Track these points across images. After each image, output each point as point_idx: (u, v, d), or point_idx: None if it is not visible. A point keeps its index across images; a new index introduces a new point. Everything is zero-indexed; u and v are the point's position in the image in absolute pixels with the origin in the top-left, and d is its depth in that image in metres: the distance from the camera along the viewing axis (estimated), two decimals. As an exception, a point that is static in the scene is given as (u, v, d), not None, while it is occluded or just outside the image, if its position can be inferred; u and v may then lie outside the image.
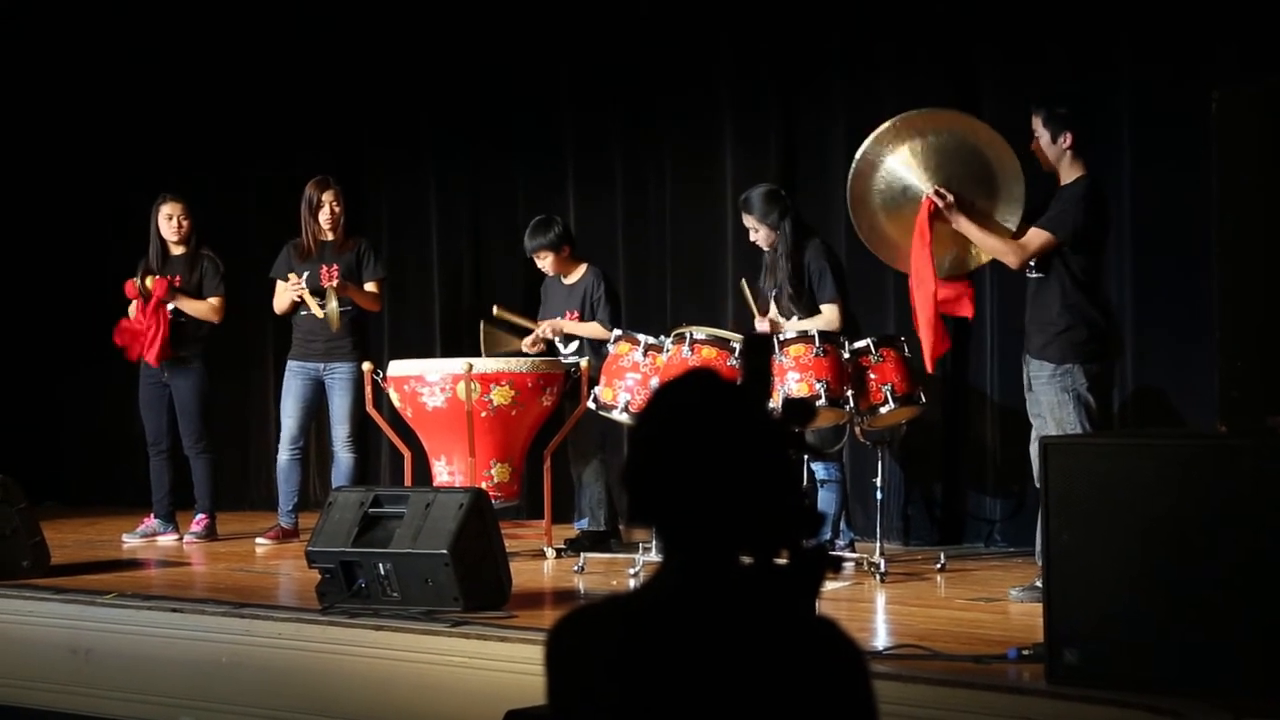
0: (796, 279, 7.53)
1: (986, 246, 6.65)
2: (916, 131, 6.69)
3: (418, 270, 10.35)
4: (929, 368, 6.92)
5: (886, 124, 6.75)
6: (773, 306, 7.66)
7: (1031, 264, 6.51)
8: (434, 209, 10.39)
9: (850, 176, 6.81)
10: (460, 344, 9.25)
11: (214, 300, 8.92)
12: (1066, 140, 6.49)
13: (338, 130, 10.56)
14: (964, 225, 6.60)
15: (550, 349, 8.41)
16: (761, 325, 7.58)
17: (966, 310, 6.88)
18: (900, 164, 6.69)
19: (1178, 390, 7.77)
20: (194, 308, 8.86)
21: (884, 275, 7.98)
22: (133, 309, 8.90)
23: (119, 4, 11.03)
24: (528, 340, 8.40)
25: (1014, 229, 6.60)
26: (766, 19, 9.04)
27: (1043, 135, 6.52)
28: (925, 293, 6.62)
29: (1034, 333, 6.53)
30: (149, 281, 8.81)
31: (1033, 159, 6.61)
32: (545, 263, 8.36)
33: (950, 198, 6.57)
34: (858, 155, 6.78)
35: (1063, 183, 6.53)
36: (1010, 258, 6.54)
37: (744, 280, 7.82)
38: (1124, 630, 4.53)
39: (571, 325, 8.28)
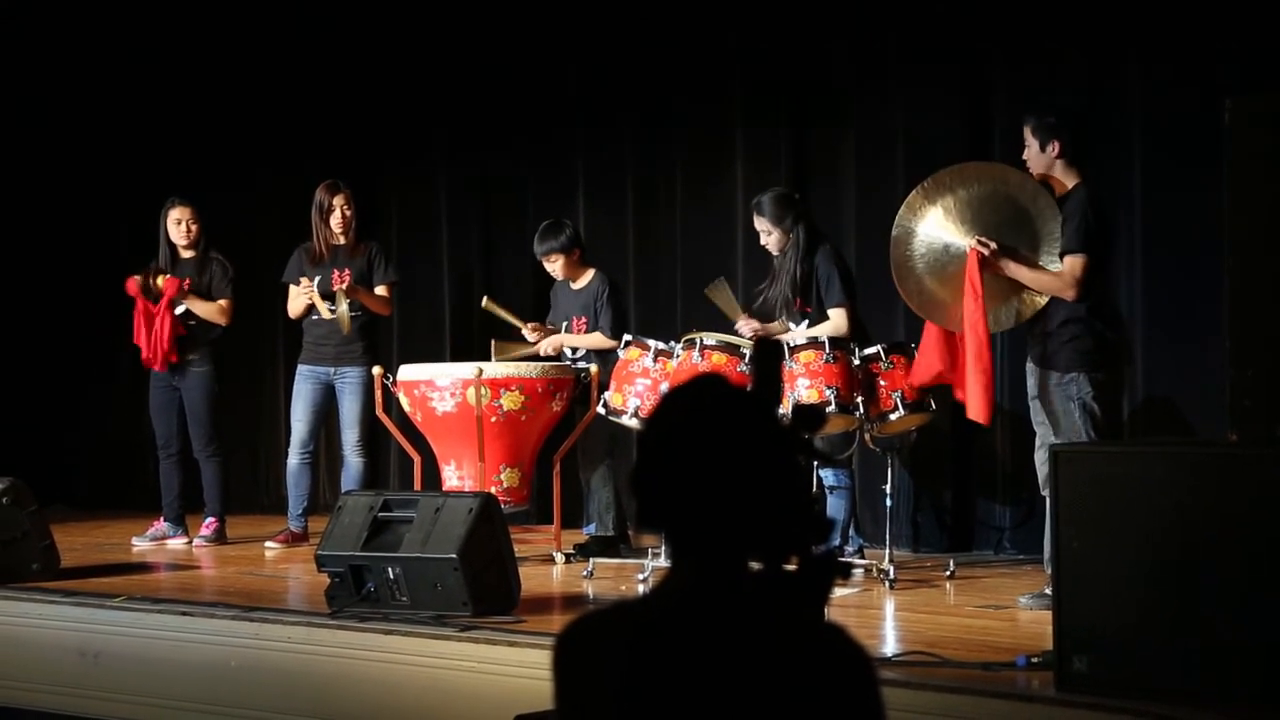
0: (804, 284, 7.51)
1: (1041, 285, 6.48)
2: (946, 189, 6.56)
3: (427, 275, 10.36)
4: (985, 421, 6.67)
5: (915, 190, 6.62)
6: (781, 315, 7.66)
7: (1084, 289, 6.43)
8: (444, 213, 10.40)
9: (891, 245, 6.64)
10: (470, 349, 9.25)
11: (222, 302, 8.93)
12: (1055, 149, 6.46)
13: (347, 134, 10.57)
14: (1013, 269, 6.46)
15: (559, 353, 8.41)
16: (743, 326, 7.55)
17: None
18: (935, 226, 6.57)
19: (1187, 399, 7.76)
20: (202, 309, 8.87)
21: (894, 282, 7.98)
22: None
23: (128, 10, 11.05)
24: (529, 329, 8.40)
25: (1059, 267, 6.44)
26: (776, 27, 9.04)
27: (1032, 144, 6.51)
28: (979, 344, 6.45)
29: (1039, 341, 6.51)
30: (160, 280, 8.83)
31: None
32: (555, 266, 8.36)
33: (994, 245, 6.44)
34: (895, 224, 6.62)
35: (1059, 194, 6.51)
36: (1068, 292, 6.39)
37: (721, 279, 7.80)
38: (1133, 638, 4.52)
39: (571, 339, 8.28)
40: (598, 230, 9.37)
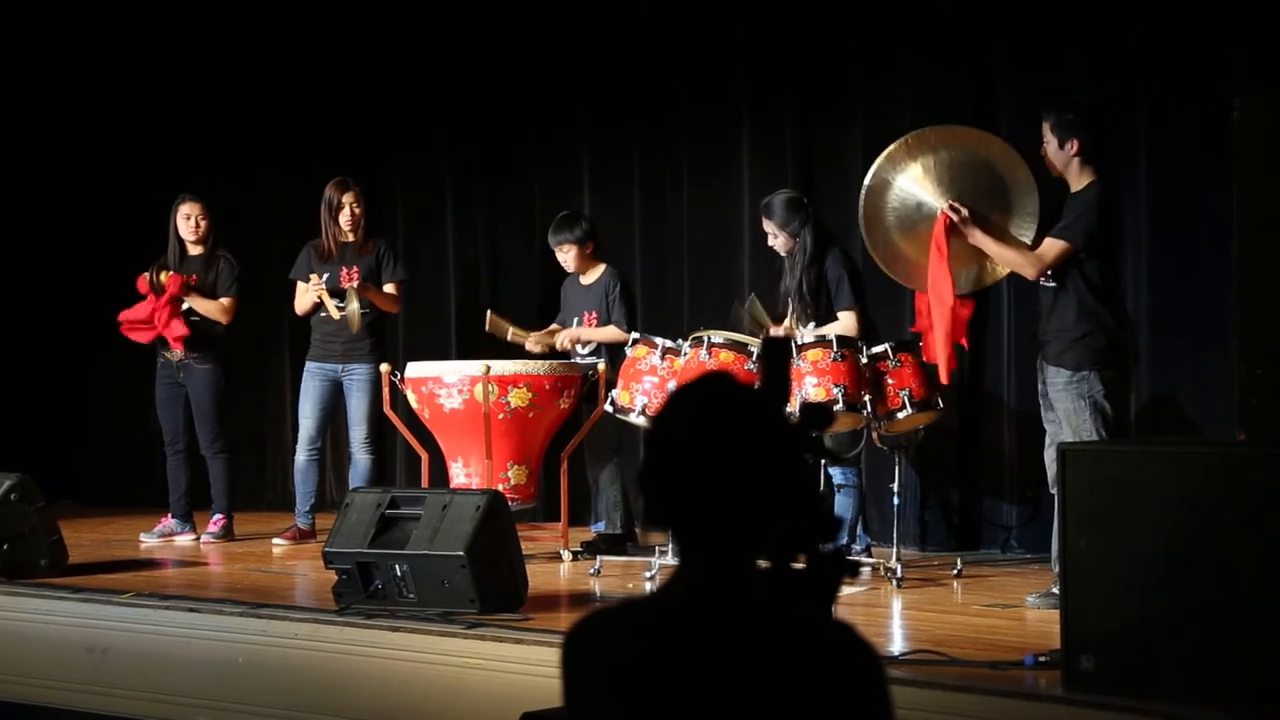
0: (813, 288, 7.51)
1: (1003, 259, 6.61)
2: (929, 148, 6.66)
3: (434, 272, 10.36)
4: (944, 379, 6.90)
5: (897, 142, 6.72)
6: (789, 313, 7.65)
7: (1048, 272, 6.48)
8: (450, 211, 10.40)
9: (862, 196, 6.77)
10: (476, 346, 9.25)
11: (225, 300, 8.92)
12: (1074, 146, 6.45)
13: (355, 131, 10.56)
14: (979, 239, 6.57)
15: (564, 351, 8.40)
16: (778, 333, 7.57)
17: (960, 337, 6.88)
18: (912, 181, 6.66)
19: (1194, 397, 7.75)
20: (204, 307, 8.87)
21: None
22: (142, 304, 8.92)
23: (141, 7, 11.05)
24: (531, 340, 8.40)
25: (1029, 241, 6.57)
26: (784, 25, 9.03)
27: (1050, 141, 6.50)
28: (943, 308, 6.59)
29: (1050, 339, 6.51)
30: (164, 276, 8.83)
31: (1046, 169, 6.59)
32: (568, 257, 8.34)
33: (965, 211, 6.54)
34: (869, 175, 6.74)
35: (1073, 189, 6.51)
36: (1028, 269, 6.50)
37: (753, 295, 7.81)
38: (1141, 637, 4.51)
39: (589, 332, 8.28)
40: (603, 227, 9.34)
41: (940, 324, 6.63)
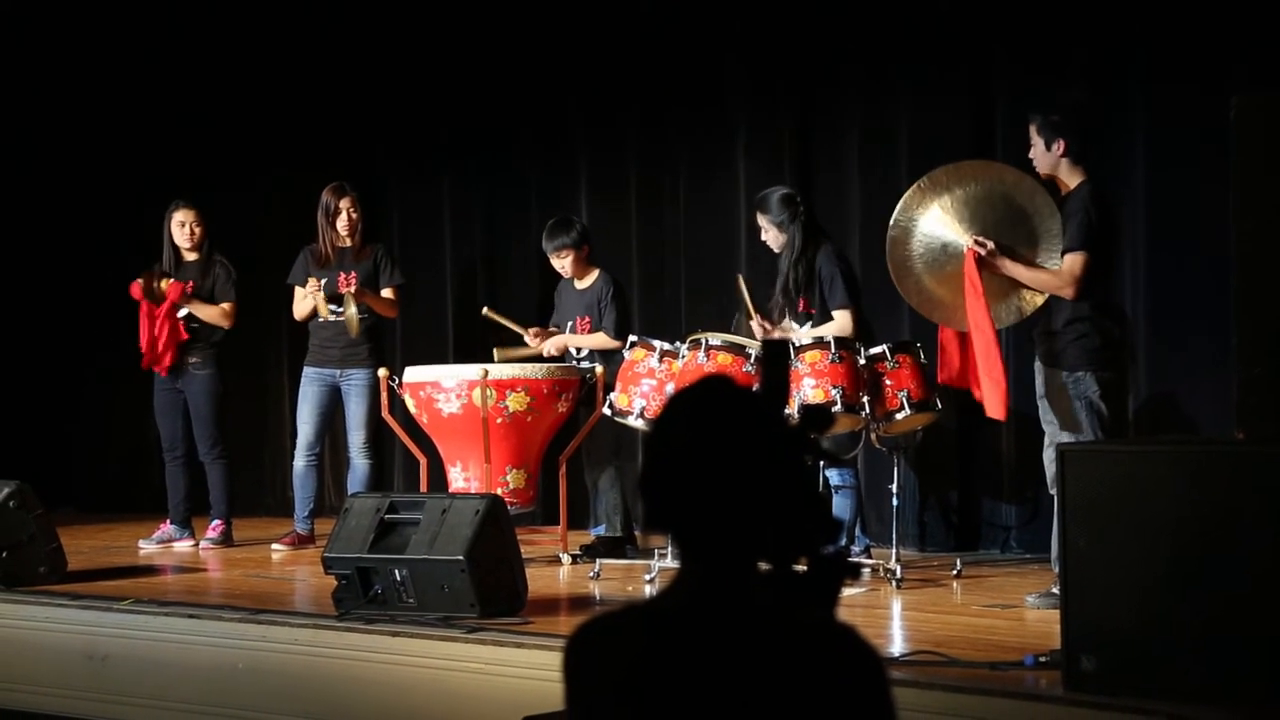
0: (801, 282, 7.51)
1: (1039, 283, 6.49)
2: (943, 188, 6.56)
3: (431, 276, 10.35)
4: (1001, 417, 6.69)
5: (911, 188, 6.63)
6: (785, 315, 7.65)
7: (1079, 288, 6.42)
8: (446, 214, 10.40)
9: (887, 245, 6.66)
10: (472, 350, 9.25)
11: (225, 305, 8.92)
12: (1060, 147, 6.45)
13: (351, 135, 10.57)
14: (1010, 268, 6.47)
15: (563, 354, 8.40)
16: (754, 326, 7.56)
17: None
18: (934, 222, 6.57)
19: (1191, 397, 7.75)
20: (206, 313, 8.87)
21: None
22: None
23: (135, 12, 11.05)
24: (530, 335, 8.40)
25: (1059, 265, 6.44)
26: (780, 27, 9.04)
27: (1037, 143, 6.50)
28: (985, 341, 6.46)
29: (1046, 340, 6.50)
30: (164, 284, 8.82)
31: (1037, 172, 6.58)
32: (564, 263, 8.34)
33: (991, 244, 6.44)
34: (890, 226, 6.62)
35: (1064, 192, 6.51)
36: (1066, 290, 6.39)
37: (740, 277, 7.79)
38: (1141, 637, 4.51)
39: (575, 339, 8.27)
40: (601, 230, 9.35)
41: (984, 359, 6.50)
